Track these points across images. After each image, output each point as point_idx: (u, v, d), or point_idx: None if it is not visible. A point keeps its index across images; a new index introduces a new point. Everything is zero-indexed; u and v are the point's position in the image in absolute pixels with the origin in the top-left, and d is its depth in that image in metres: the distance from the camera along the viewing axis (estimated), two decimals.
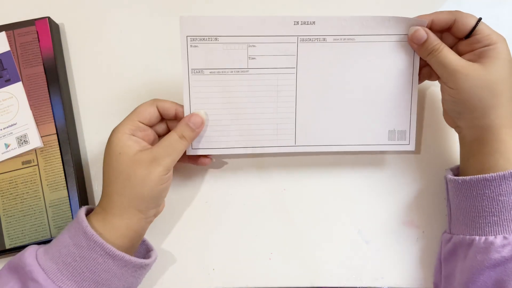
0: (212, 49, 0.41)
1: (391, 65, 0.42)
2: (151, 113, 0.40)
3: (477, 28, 0.38)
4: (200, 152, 0.43)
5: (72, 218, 0.44)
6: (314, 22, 0.41)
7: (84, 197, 0.46)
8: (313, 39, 0.41)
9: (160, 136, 0.43)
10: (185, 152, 0.41)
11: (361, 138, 0.43)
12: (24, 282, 0.35)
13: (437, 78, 0.42)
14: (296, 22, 0.41)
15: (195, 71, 0.41)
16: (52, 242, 0.38)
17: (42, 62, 0.46)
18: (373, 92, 0.42)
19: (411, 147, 0.44)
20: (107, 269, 0.36)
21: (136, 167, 0.37)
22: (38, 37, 0.46)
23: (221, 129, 0.42)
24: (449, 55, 0.39)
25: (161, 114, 0.41)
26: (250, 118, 0.42)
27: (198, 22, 0.40)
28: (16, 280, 0.35)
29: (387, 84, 0.42)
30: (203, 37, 0.40)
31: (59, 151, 0.45)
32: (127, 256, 0.37)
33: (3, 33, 0.46)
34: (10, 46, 0.46)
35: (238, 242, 0.46)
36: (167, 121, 0.43)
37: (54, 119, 0.45)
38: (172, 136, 0.39)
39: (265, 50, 0.41)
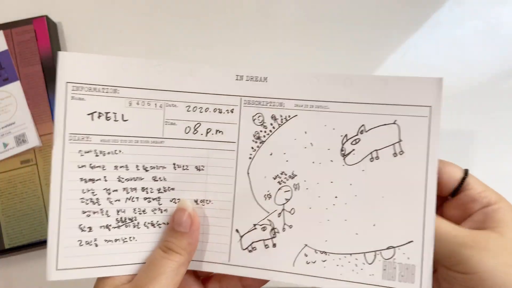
0: (109, 106, 0.27)
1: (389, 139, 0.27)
2: None
3: (466, 182, 0.27)
4: (69, 276, 0.27)
5: None
6: (266, 79, 0.27)
7: None
8: (264, 103, 0.27)
9: None
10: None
11: (334, 271, 0.27)
12: None
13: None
14: (239, 77, 0.27)
15: (76, 138, 0.27)
16: None
17: (40, 61, 0.46)
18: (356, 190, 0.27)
19: None
20: None
21: None
22: (36, 36, 0.46)
23: (108, 238, 0.27)
24: (442, 225, 0.26)
25: None
26: (159, 220, 0.28)
27: (87, 61, 0.27)
28: None
29: (383, 177, 0.27)
30: (95, 86, 0.27)
31: None
32: None
33: (1, 32, 0.46)
34: (8, 45, 0.46)
35: None
36: None
37: (52, 118, 0.45)
38: (155, 253, 0.27)
39: (190, 113, 0.28)
